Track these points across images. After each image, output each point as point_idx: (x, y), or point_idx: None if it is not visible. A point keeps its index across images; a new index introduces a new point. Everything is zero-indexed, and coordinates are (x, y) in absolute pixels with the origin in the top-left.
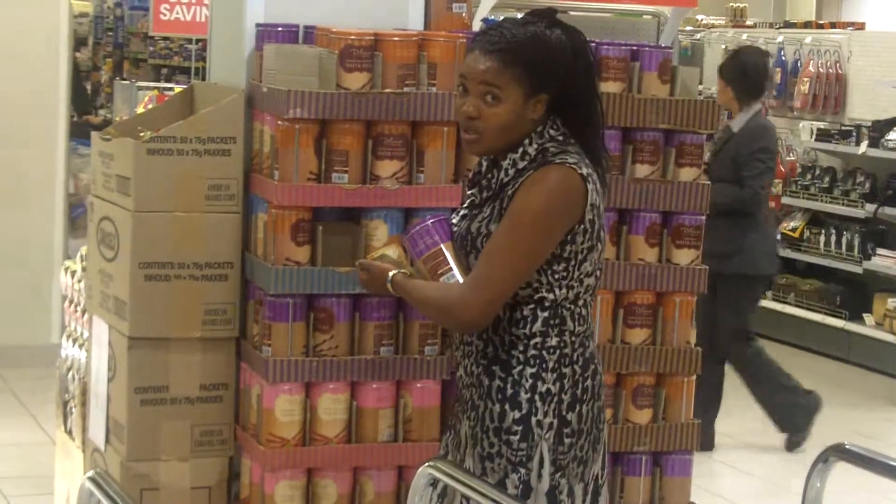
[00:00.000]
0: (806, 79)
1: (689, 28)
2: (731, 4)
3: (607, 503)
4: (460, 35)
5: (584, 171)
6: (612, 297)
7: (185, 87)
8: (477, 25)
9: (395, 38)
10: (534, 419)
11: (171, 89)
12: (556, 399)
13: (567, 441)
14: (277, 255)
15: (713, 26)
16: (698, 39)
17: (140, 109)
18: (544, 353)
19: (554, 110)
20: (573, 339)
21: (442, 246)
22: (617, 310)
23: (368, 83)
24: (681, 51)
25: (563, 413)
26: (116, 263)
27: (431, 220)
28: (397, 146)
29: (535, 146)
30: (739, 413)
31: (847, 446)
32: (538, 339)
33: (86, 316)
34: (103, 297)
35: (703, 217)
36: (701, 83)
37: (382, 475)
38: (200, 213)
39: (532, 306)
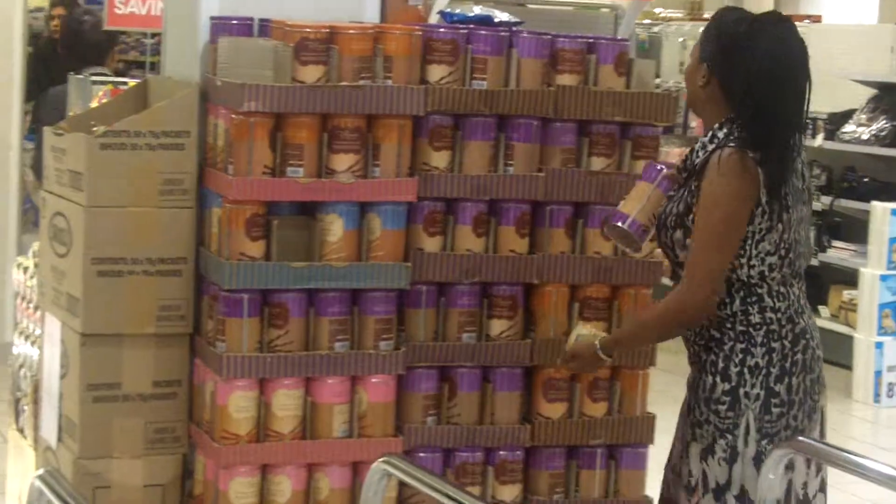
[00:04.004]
0: None
1: (647, 21)
2: None
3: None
4: (416, 28)
5: (758, 155)
6: (568, 291)
7: (139, 81)
8: (434, 19)
9: (351, 32)
10: (742, 391)
11: (125, 83)
12: (763, 372)
13: (776, 411)
14: (232, 250)
15: (671, 19)
16: (656, 32)
17: (94, 104)
18: (751, 329)
19: (734, 101)
20: (777, 315)
21: (639, 182)
22: (572, 303)
23: (324, 76)
24: (638, 44)
25: (772, 385)
26: (69, 259)
27: (660, 165)
28: (353, 140)
29: (724, 130)
30: None
31: (802, 438)
32: (741, 318)
33: (38, 313)
34: (56, 293)
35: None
36: (658, 76)
37: (337, 471)
38: (154, 208)
39: (726, 289)
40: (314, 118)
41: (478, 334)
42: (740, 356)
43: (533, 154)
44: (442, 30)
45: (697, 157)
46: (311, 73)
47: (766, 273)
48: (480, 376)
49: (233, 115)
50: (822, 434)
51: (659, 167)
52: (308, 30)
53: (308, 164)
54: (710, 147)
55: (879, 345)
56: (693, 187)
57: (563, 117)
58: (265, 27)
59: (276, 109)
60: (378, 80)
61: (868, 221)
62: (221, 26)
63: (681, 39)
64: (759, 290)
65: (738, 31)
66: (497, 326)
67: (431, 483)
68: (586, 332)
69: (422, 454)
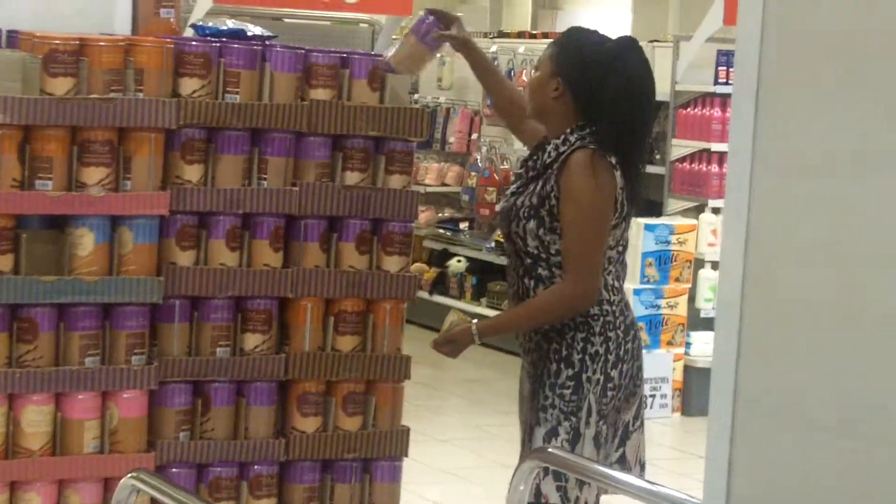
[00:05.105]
0: (519, 87)
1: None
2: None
3: (637, 447)
4: (168, 41)
5: (613, 159)
6: (323, 305)
7: None
8: (188, 31)
9: (101, 44)
10: (584, 376)
11: None
12: (602, 359)
13: (609, 394)
14: None
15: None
16: None
17: None
18: (589, 320)
19: (591, 114)
20: (612, 307)
21: (410, 34)
22: (327, 317)
23: (74, 88)
24: None
25: (609, 371)
26: None
27: (430, 18)
28: (103, 153)
29: (575, 136)
30: (455, 419)
31: (550, 450)
32: None
33: None
34: None
35: (412, 224)
36: (416, 91)
37: (88, 487)
38: None
39: None
40: (63, 131)
41: (232, 349)
42: (581, 344)
43: (287, 168)
44: (194, 43)
45: (549, 156)
46: (60, 86)
47: (605, 266)
48: (234, 391)
49: None
50: (637, 415)
51: (429, 19)
52: (57, 41)
53: (57, 177)
54: (564, 149)
55: None
56: (549, 184)
57: (316, 132)
58: (13, 38)
59: (25, 122)
60: (129, 93)
61: None
62: None
63: (439, 56)
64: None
65: (602, 51)
66: (251, 341)
67: (180, 498)
68: (457, 318)
69: (175, 469)
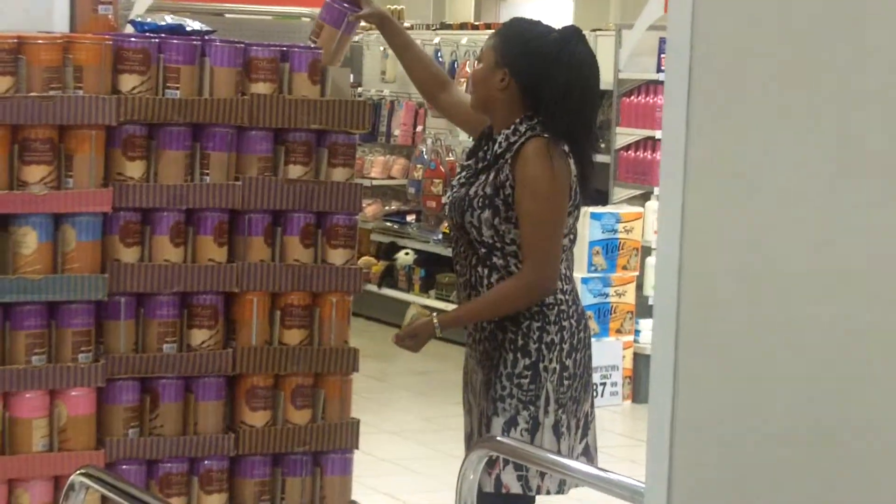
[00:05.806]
0: (463, 79)
1: None
2: (389, 6)
3: (594, 436)
4: (107, 37)
5: (566, 147)
6: (269, 299)
7: None
8: (127, 28)
9: (40, 41)
10: (541, 365)
11: None
12: (558, 348)
13: (566, 383)
14: None
15: (371, 28)
16: (357, 41)
17: None
18: (544, 308)
19: (539, 104)
20: (565, 297)
21: (326, 25)
22: (273, 311)
23: (13, 87)
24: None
25: (564, 359)
26: None
27: (344, 4)
28: (44, 151)
29: (525, 126)
30: (404, 411)
31: (499, 439)
32: None
33: None
34: None
35: (357, 217)
36: (360, 85)
37: (39, 486)
38: None
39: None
40: (4, 129)
41: (179, 344)
42: (537, 333)
43: (229, 163)
44: (133, 39)
45: (500, 147)
46: None
47: (559, 254)
48: (183, 387)
49: None
50: (592, 405)
51: (338, 5)
52: None
53: None
54: (515, 139)
55: None
56: (503, 173)
57: (258, 126)
58: None
59: None
60: (68, 91)
61: None
62: None
63: (382, 48)
64: None
65: (548, 41)
66: (198, 336)
67: (131, 494)
68: (417, 312)
69: (125, 466)
